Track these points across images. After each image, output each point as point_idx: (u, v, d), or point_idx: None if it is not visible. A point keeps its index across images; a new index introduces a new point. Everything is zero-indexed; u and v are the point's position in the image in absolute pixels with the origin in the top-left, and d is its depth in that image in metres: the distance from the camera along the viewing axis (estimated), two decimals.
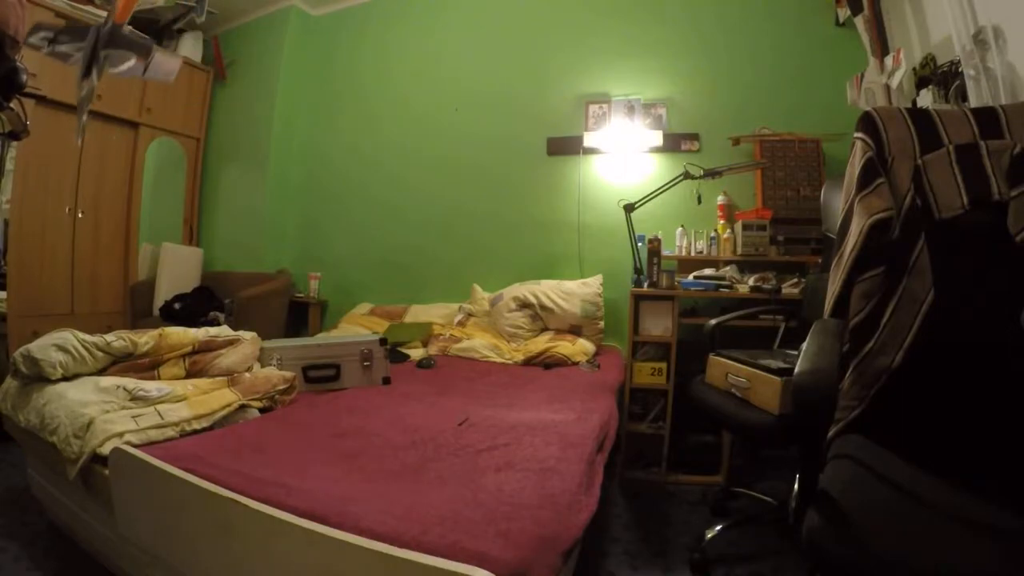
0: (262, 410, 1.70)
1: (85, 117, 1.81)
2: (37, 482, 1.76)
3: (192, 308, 2.97)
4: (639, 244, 2.56)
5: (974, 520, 0.78)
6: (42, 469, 1.70)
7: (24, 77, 0.77)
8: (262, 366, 1.94)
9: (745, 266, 2.58)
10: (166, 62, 1.90)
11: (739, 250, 2.61)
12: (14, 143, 0.84)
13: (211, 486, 1.07)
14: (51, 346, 1.61)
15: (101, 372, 1.66)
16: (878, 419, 1.05)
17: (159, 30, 3.46)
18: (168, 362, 1.75)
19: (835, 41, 2.76)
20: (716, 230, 2.73)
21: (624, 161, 3.02)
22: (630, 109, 2.94)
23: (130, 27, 1.75)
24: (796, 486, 1.79)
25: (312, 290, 3.47)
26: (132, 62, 1.80)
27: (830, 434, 1.07)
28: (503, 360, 2.60)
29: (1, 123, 0.81)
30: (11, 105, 0.77)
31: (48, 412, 1.46)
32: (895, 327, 1.08)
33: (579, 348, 2.59)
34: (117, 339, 1.71)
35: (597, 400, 1.86)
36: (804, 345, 0.93)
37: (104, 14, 2.97)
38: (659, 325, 2.40)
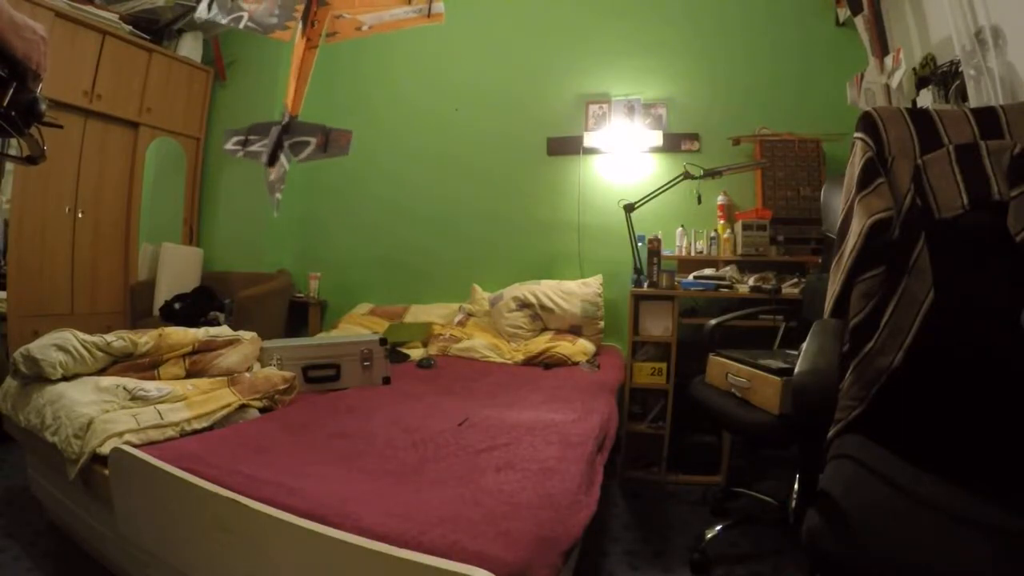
0: (262, 410, 1.69)
1: (278, 195, 2.12)
2: (37, 482, 1.76)
3: (192, 308, 2.97)
4: (639, 244, 2.56)
5: (974, 520, 0.77)
6: (42, 469, 1.70)
7: (43, 107, 0.82)
8: (262, 366, 1.94)
9: (745, 266, 2.58)
10: (340, 137, 2.12)
11: (739, 250, 2.61)
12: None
13: (211, 486, 1.07)
14: (51, 346, 1.61)
15: (101, 372, 1.66)
16: (878, 419, 1.05)
17: (159, 30, 3.46)
18: (168, 362, 1.75)
19: (835, 41, 2.77)
20: (716, 230, 2.73)
21: (624, 161, 3.03)
22: (630, 109, 2.94)
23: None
24: (796, 486, 1.79)
25: (312, 290, 3.47)
26: (312, 146, 2.11)
27: (830, 434, 1.07)
28: (503, 360, 2.60)
29: (20, 148, 0.86)
30: (30, 132, 0.83)
31: (48, 412, 1.46)
32: (895, 327, 1.08)
33: (579, 348, 2.59)
34: (117, 339, 1.70)
35: (597, 400, 1.86)
36: (804, 345, 0.93)
37: (103, 14, 2.98)
38: (659, 325, 2.40)
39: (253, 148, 2.16)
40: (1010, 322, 0.98)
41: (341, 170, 3.60)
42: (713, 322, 1.96)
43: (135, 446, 1.30)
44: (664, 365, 2.39)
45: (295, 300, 3.41)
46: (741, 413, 1.59)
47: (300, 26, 2.09)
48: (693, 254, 2.74)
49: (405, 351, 2.68)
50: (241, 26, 2.15)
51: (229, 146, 2.20)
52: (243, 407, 1.64)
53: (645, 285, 2.46)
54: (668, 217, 2.81)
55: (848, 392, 1.09)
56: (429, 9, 2.10)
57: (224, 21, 2.15)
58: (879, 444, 0.99)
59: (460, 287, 3.20)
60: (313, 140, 2.12)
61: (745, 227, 2.58)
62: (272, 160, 2.09)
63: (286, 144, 2.10)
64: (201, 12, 2.17)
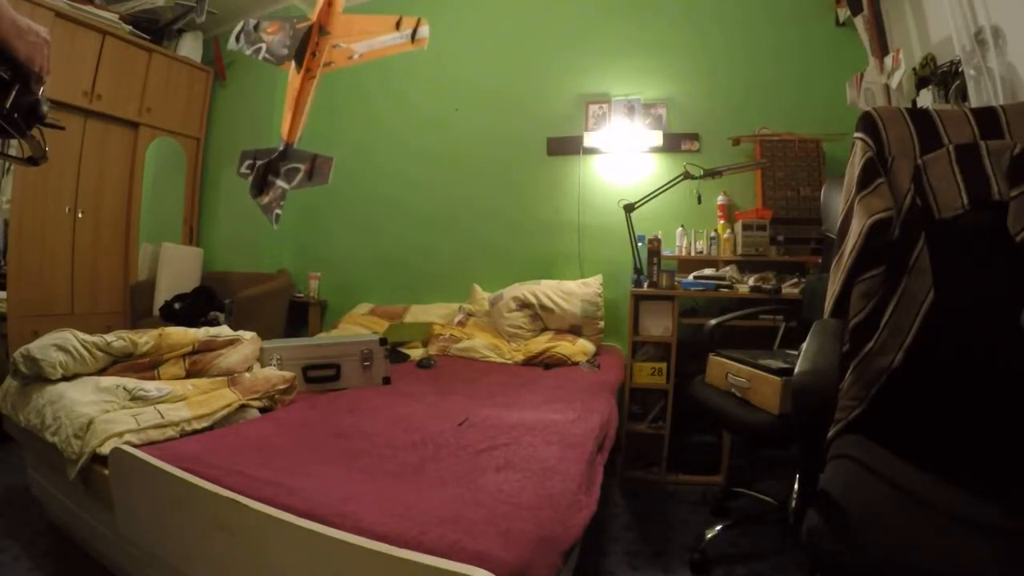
0: (262, 410, 1.70)
1: (277, 211, 2.25)
2: (37, 482, 1.76)
3: (192, 308, 2.97)
4: (639, 244, 2.56)
5: (974, 520, 0.78)
6: (42, 469, 1.70)
7: (45, 108, 0.83)
8: (262, 366, 1.94)
9: (745, 266, 2.58)
10: (323, 165, 2.32)
11: (739, 250, 2.61)
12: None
13: (211, 486, 1.07)
14: (51, 346, 1.61)
15: (101, 372, 1.66)
16: (878, 419, 1.05)
17: (159, 30, 3.46)
18: (168, 362, 1.75)
19: (835, 41, 2.76)
20: (716, 230, 2.73)
21: (624, 161, 3.02)
22: (630, 109, 2.94)
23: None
24: (796, 486, 1.79)
25: (312, 290, 3.47)
26: (301, 173, 2.29)
27: (830, 434, 1.07)
28: (503, 360, 2.60)
29: (21, 148, 0.87)
30: (32, 133, 0.83)
31: (48, 412, 1.46)
32: (895, 327, 1.08)
33: (579, 348, 2.59)
34: (117, 339, 1.70)
35: (597, 400, 1.86)
36: (804, 345, 0.93)
37: (103, 14, 2.98)
38: (659, 325, 2.40)
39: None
40: (1010, 322, 0.98)
41: (341, 170, 3.56)
42: (713, 322, 1.96)
43: (135, 446, 1.30)
44: (664, 365, 2.39)
45: (295, 300, 3.41)
46: (741, 413, 1.59)
47: (294, 59, 2.22)
48: (693, 254, 2.74)
49: (405, 351, 2.68)
50: (260, 57, 2.28)
51: (242, 170, 2.34)
52: (243, 407, 1.64)
53: (645, 285, 2.46)
54: (668, 217, 2.80)
55: (848, 392, 1.09)
56: (414, 35, 2.22)
57: (248, 52, 2.28)
58: (879, 444, 0.99)
59: (460, 287, 3.20)
60: (302, 167, 2.30)
61: (745, 227, 2.58)
62: (261, 188, 2.26)
63: (282, 170, 2.27)
64: (231, 45, 2.32)
